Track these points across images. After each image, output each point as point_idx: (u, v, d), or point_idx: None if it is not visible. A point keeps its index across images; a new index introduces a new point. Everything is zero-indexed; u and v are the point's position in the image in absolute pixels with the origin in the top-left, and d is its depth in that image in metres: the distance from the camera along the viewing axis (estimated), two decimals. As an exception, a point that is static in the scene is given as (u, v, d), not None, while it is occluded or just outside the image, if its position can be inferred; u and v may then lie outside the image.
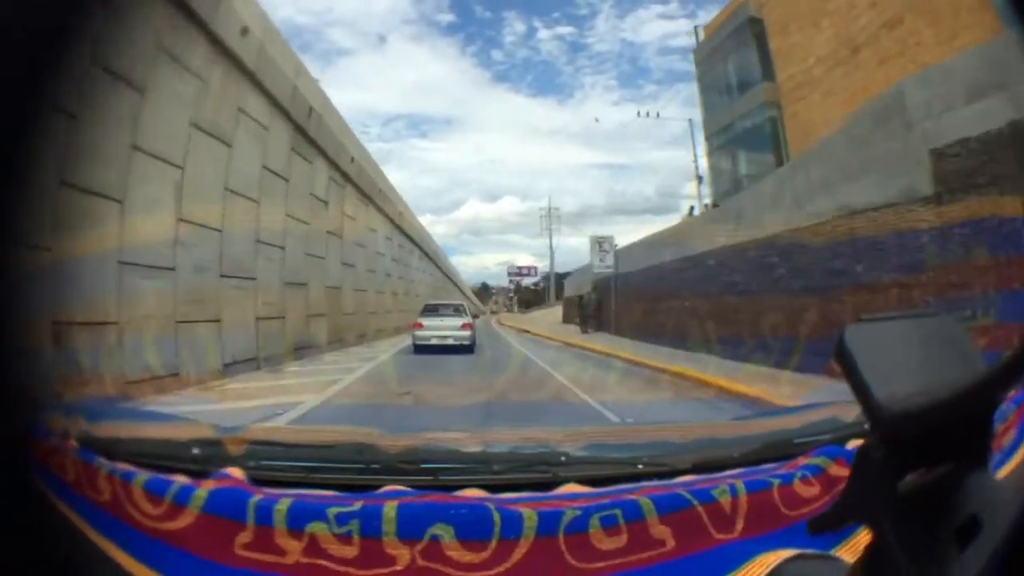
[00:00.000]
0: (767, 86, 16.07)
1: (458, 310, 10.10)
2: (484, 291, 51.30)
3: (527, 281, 50.34)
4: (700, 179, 18.99)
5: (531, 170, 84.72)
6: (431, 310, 10.00)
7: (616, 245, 14.92)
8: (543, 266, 51.22)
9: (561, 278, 44.64)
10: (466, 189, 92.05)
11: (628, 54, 66.34)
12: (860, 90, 11.57)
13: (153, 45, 5.00)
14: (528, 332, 16.66)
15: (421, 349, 9.01)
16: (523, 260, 51.78)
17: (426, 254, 24.62)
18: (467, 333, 9.32)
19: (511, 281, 50.57)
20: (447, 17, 70.24)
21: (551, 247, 37.78)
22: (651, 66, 63.88)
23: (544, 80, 73.99)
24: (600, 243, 15.06)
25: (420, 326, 9.41)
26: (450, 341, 9.12)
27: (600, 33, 64.55)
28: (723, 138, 18.95)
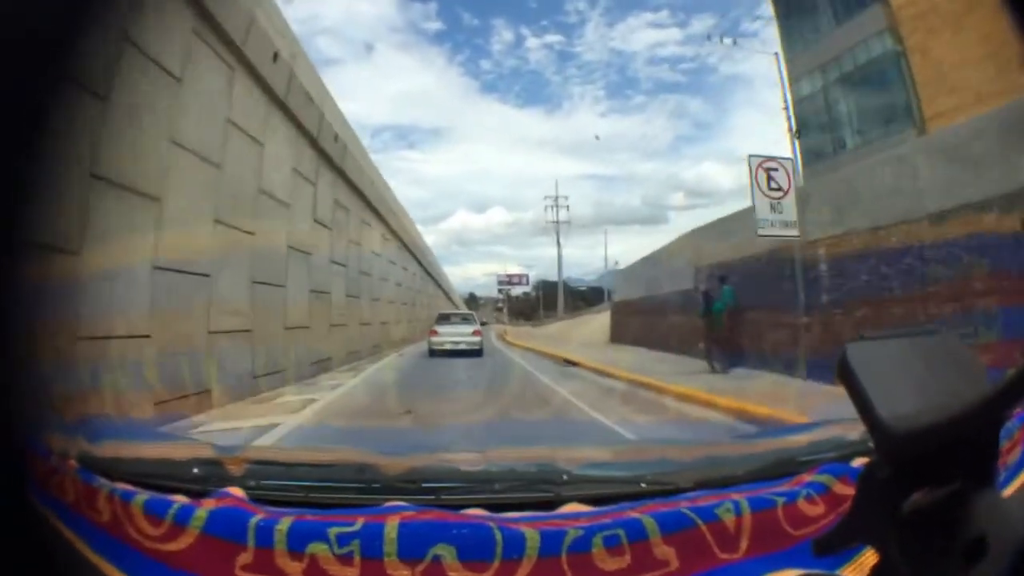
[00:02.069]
0: (885, 9, 14.77)
1: (467, 319, 14.51)
2: (472, 301, 53.77)
3: (517, 291, 53.28)
4: (797, 134, 17.22)
5: (519, 180, 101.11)
6: (444, 318, 14.27)
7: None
8: (534, 274, 54.65)
9: (554, 286, 44.85)
10: (454, 200, 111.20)
11: (617, 64, 79.12)
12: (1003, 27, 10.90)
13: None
14: (577, 365, 11.05)
15: (436, 353, 12.63)
16: (511, 271, 56.25)
17: (400, 240, 22.21)
18: (477, 339, 13.26)
19: (500, 290, 53.29)
20: (435, 25, 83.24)
21: (559, 244, 37.84)
22: (640, 76, 76.11)
23: (533, 90, 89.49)
24: (768, 172, 7.95)
25: (435, 333, 13.25)
26: (462, 346, 12.80)
27: (589, 42, 76.99)
28: (819, 81, 17.51)
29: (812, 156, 17.36)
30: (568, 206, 40.72)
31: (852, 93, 16.60)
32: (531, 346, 17.02)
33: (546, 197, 39.64)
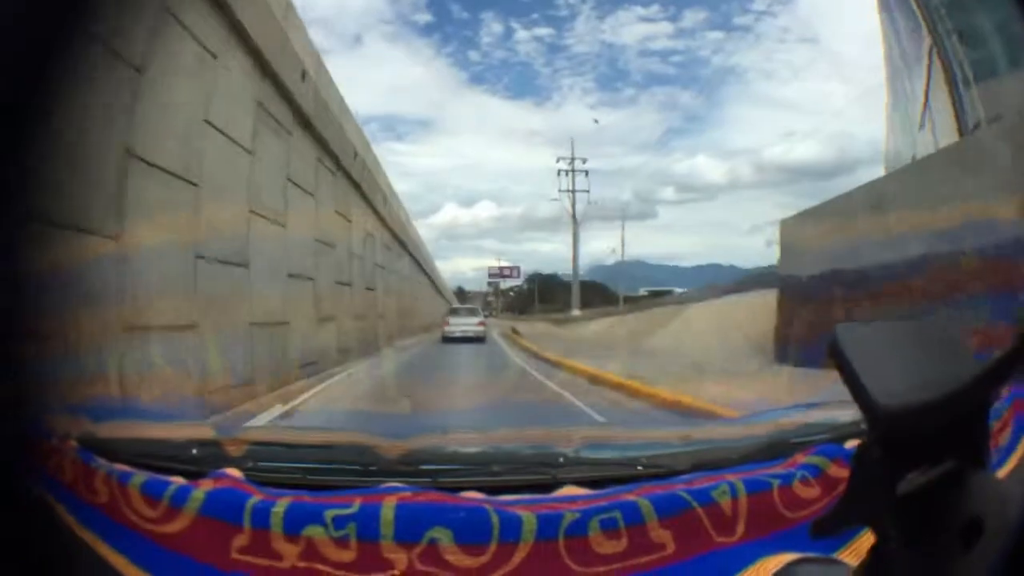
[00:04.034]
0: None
1: (473, 312, 20.10)
2: (460, 294, 55.00)
3: (508, 284, 54.66)
4: (963, 39, 11.29)
5: (507, 174, 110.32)
6: (454, 312, 20.26)
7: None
8: (526, 267, 56.15)
9: (547, 279, 44.01)
10: (443, 193, 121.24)
11: (607, 56, 79.07)
12: None
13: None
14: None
15: (448, 340, 17.42)
16: (502, 264, 56.55)
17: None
18: (481, 328, 18.29)
19: (490, 284, 54.34)
20: (424, 16, 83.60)
21: (574, 220, 33.46)
22: (630, 68, 78.22)
23: (522, 82, 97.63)
24: None
25: (447, 323, 18.52)
26: (470, 334, 17.66)
27: (579, 34, 76.84)
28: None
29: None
30: (587, 171, 34.83)
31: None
32: (598, 374, 8.67)
33: (559, 159, 34.68)
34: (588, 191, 33.57)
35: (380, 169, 17.50)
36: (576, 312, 31.55)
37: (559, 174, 33.45)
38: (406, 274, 22.84)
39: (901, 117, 14.17)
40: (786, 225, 11.76)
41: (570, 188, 32.96)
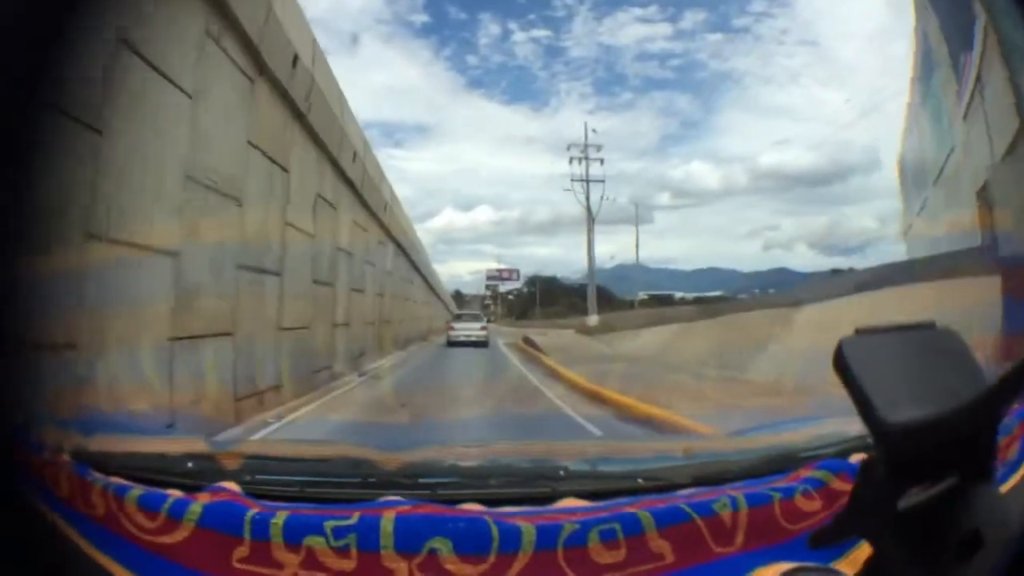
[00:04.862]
0: None
1: (476, 317, 22.25)
2: (458, 298, 55.68)
3: (506, 287, 56.02)
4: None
5: (505, 179, 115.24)
6: (458, 317, 22.49)
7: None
8: (524, 271, 55.07)
9: (547, 282, 43.67)
10: (440, 198, 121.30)
11: (605, 60, 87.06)
12: None
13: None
14: None
15: (453, 344, 19.03)
16: (500, 267, 56.83)
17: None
18: (484, 333, 19.78)
19: (488, 287, 55.41)
20: (421, 18, 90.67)
21: (588, 211, 30.11)
22: (628, 72, 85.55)
23: (519, 87, 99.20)
24: None
25: (452, 328, 20.57)
26: (473, 338, 19.12)
27: (577, 36, 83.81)
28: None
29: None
30: (602, 159, 31.15)
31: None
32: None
33: (570, 147, 31.33)
34: (603, 180, 30.94)
35: (350, 113, 11.39)
36: (593, 318, 26.09)
37: (571, 162, 31.01)
38: (391, 268, 17.98)
39: (933, 109, 13.02)
40: (1002, 175, 7.08)
41: (583, 177, 30.29)
